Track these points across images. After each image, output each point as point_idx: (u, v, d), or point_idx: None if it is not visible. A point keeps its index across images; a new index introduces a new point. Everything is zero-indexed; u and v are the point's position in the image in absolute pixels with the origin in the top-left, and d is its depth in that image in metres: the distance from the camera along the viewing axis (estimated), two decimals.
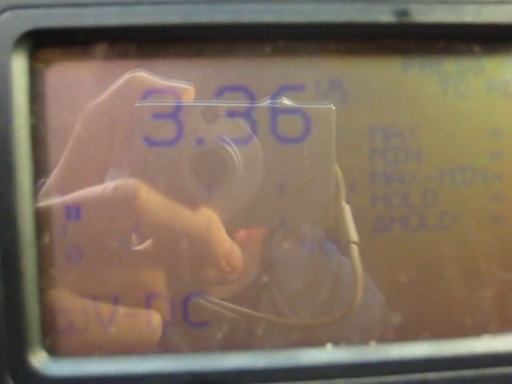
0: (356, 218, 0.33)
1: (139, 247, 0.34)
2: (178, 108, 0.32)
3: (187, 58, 0.32)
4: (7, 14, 0.31)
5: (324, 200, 0.34)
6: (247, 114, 0.32)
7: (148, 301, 0.33)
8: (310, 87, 0.33)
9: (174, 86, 0.33)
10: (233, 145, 0.33)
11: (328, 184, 0.33)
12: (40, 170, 0.32)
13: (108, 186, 0.32)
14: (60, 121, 0.32)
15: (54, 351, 0.32)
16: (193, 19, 0.31)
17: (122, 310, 0.33)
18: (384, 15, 0.31)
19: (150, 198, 0.32)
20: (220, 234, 0.33)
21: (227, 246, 0.33)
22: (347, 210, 0.34)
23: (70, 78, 0.32)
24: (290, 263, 0.36)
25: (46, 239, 0.32)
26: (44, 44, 0.31)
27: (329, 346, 0.32)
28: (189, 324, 0.33)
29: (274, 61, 0.32)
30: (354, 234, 0.34)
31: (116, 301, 0.33)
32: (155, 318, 0.33)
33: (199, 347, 0.34)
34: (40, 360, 0.31)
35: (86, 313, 0.33)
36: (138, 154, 0.33)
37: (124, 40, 0.31)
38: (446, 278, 0.33)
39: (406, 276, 0.33)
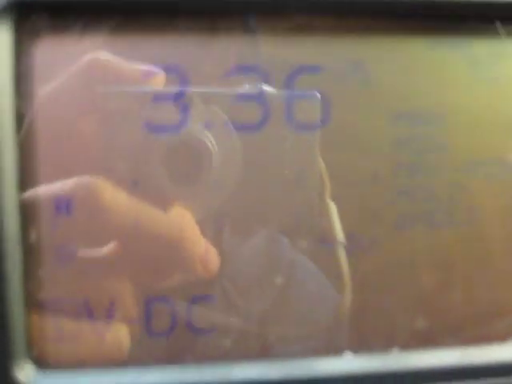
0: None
1: (102, 252, 0.30)
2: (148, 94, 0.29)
3: (195, 33, 0.29)
4: None
5: (307, 196, 0.31)
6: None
7: (113, 310, 0.30)
8: (328, 69, 0.30)
9: (141, 70, 0.29)
10: (210, 136, 0.30)
11: (311, 179, 0.30)
12: (25, 157, 0.28)
13: (66, 183, 0.29)
14: (47, 101, 0.29)
15: (42, 363, 0.28)
16: None
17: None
18: None
19: (115, 196, 0.29)
20: (194, 234, 0.30)
21: (203, 247, 0.30)
22: (333, 208, 0.31)
23: (60, 53, 0.29)
24: (241, 255, 0.33)
25: (33, 237, 0.29)
26: (30, 15, 0.28)
27: (347, 354, 0.30)
28: (192, 331, 0.30)
29: (289, 39, 0.29)
30: (340, 234, 0.31)
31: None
32: (120, 330, 0.30)
33: (204, 357, 0.30)
34: (26, 374, 0.27)
35: (77, 319, 0.29)
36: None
37: (124, 11, 0.28)
38: (474, 280, 0.31)
39: (430, 277, 0.31)
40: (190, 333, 0.31)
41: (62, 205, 0.29)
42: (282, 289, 0.33)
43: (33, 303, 0.28)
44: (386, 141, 0.30)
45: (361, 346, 0.30)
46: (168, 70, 0.29)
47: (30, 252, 0.28)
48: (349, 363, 0.29)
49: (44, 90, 0.29)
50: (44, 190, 0.29)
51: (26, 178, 0.28)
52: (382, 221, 0.30)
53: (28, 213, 0.28)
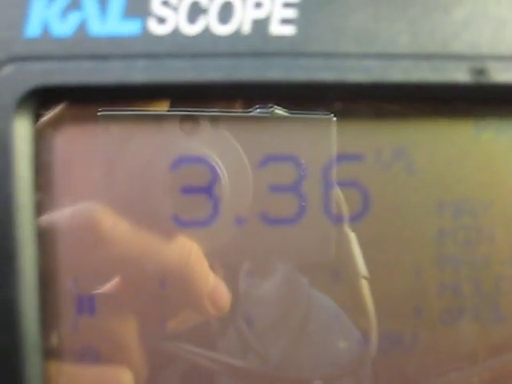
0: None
1: (103, 289, 0.27)
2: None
3: (226, 122, 0.27)
4: (9, 68, 0.24)
5: (324, 227, 0.28)
6: None
7: (116, 354, 0.27)
8: (369, 157, 0.27)
9: None
10: (219, 161, 0.27)
11: (328, 208, 0.28)
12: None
13: (66, 211, 0.26)
14: (70, 195, 0.27)
15: None
16: (236, 76, 0.25)
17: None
18: (459, 74, 0.27)
19: (116, 226, 0.26)
20: (202, 268, 0.27)
21: (211, 283, 0.27)
22: (353, 239, 0.28)
23: (83, 144, 0.27)
24: (257, 295, 0.31)
25: (54, 339, 0.26)
26: (52, 104, 0.26)
27: None
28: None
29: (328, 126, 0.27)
30: (362, 268, 0.28)
31: None
32: (125, 376, 0.27)
33: None
34: None
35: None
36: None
37: (152, 99, 0.26)
38: None
39: (479, 375, 0.29)
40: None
41: (85, 304, 0.27)
42: (300, 331, 0.31)
43: None
44: (429, 232, 0.28)
45: None
46: (198, 161, 0.27)
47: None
48: None
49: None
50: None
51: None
52: (426, 317, 0.28)
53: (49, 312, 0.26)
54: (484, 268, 0.28)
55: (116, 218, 0.26)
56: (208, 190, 0.26)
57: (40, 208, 0.25)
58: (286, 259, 0.29)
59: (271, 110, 0.27)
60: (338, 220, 0.27)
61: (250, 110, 0.28)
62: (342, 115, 0.26)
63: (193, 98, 0.26)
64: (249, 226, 0.27)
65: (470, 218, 0.27)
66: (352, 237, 0.28)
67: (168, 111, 0.27)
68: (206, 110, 0.27)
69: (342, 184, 0.27)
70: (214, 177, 0.27)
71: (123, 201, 0.26)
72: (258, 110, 0.27)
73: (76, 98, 0.25)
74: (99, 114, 0.26)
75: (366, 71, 0.25)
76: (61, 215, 0.26)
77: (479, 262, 0.28)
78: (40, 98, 0.25)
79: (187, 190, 0.26)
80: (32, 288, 0.25)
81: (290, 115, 0.27)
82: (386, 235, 0.27)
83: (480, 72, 0.27)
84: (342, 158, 0.27)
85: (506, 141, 0.28)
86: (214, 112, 0.27)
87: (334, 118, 0.27)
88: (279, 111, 0.27)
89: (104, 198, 0.26)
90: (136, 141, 0.27)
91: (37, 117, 0.25)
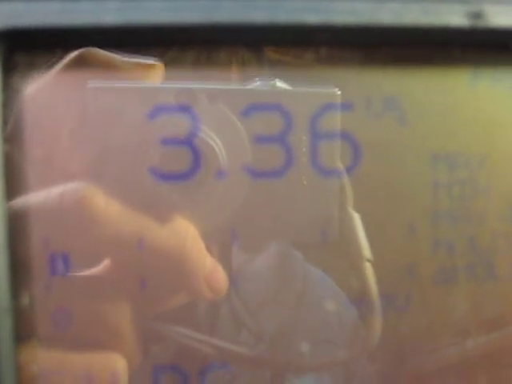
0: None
1: (93, 271, 0.26)
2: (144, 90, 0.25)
3: (207, 66, 0.25)
4: None
5: (327, 207, 0.26)
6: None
7: (109, 339, 0.26)
8: (359, 106, 0.26)
9: (136, 63, 0.25)
10: (216, 137, 0.26)
11: (332, 187, 0.26)
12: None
13: (54, 190, 0.25)
14: (41, 147, 0.25)
15: None
16: (216, 18, 0.24)
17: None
18: (454, 17, 0.25)
19: (108, 206, 0.25)
20: (199, 250, 0.26)
21: (208, 265, 0.26)
22: (357, 220, 0.27)
23: (55, 92, 0.25)
24: (251, 272, 0.30)
25: (25, 300, 0.25)
26: (20, 49, 0.24)
27: None
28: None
29: (315, 72, 0.26)
30: (366, 250, 0.27)
31: None
32: (119, 363, 0.26)
33: None
34: None
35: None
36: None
37: (127, 44, 0.25)
38: None
39: (474, 336, 0.27)
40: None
41: (58, 263, 0.25)
42: (295, 307, 0.30)
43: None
44: (423, 186, 0.26)
45: None
46: (179, 110, 0.25)
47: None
48: None
49: (31, 88, 0.25)
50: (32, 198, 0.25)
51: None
52: (419, 276, 0.27)
53: (20, 274, 0.24)
54: (479, 224, 0.26)
55: (107, 197, 0.25)
56: (188, 141, 0.25)
57: (8, 159, 0.24)
58: (285, 237, 0.28)
59: (272, 83, 0.26)
60: (326, 173, 0.25)
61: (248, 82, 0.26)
62: (328, 61, 0.25)
63: (168, 42, 0.24)
64: (232, 179, 0.25)
65: (465, 172, 0.26)
66: (356, 217, 0.27)
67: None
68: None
69: (330, 135, 0.25)
70: (195, 127, 0.25)
71: (98, 153, 0.25)
72: (258, 83, 0.26)
73: (45, 42, 0.23)
74: (89, 86, 0.25)
75: (354, 13, 0.24)
76: (48, 194, 0.25)
77: (475, 218, 0.26)
78: (7, 43, 0.23)
79: (167, 142, 0.25)
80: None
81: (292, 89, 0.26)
82: (377, 190, 0.26)
83: (476, 15, 0.25)
84: (330, 106, 0.25)
85: (503, 90, 0.26)
86: (212, 85, 0.26)
87: (339, 92, 0.26)
88: (280, 84, 0.26)
89: (77, 149, 0.25)
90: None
91: (4, 63, 0.24)
